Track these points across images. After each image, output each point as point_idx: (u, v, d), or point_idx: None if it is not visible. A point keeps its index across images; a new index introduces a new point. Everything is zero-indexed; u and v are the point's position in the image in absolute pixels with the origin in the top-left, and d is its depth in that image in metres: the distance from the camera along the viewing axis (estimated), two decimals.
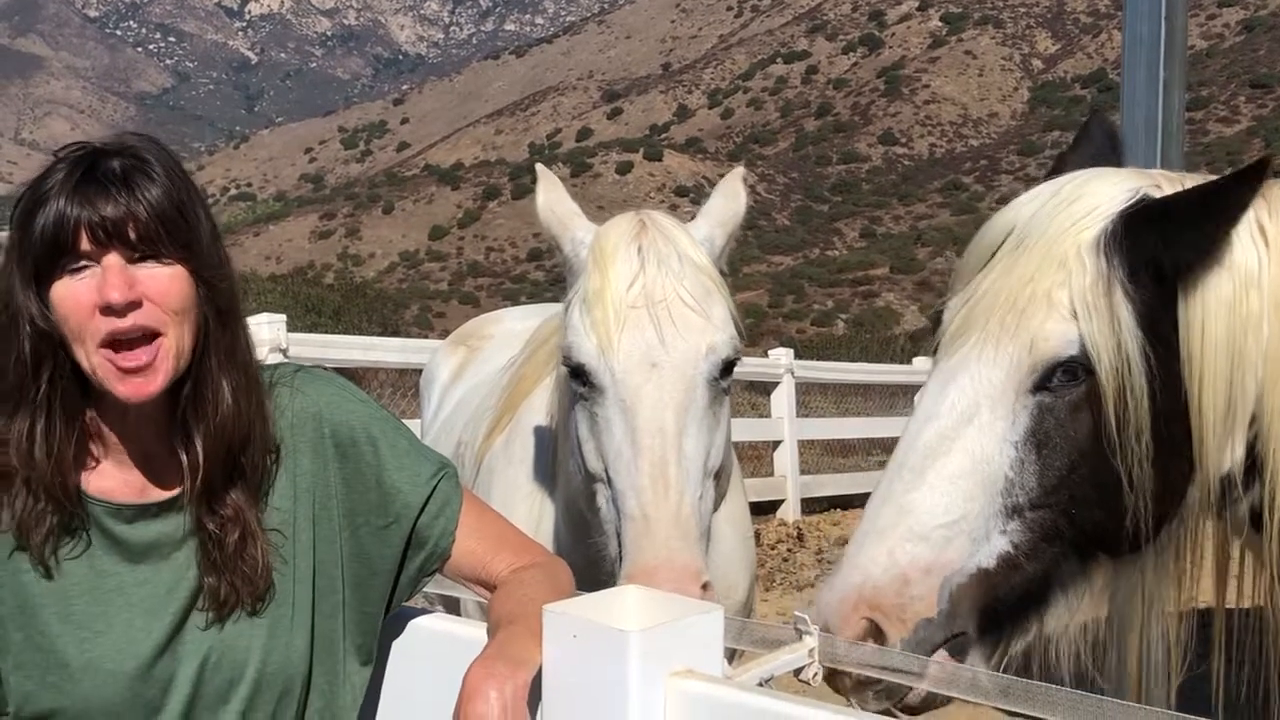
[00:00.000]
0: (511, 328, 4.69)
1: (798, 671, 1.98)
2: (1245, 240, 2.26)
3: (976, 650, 2.25)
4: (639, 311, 2.72)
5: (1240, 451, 2.30)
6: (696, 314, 2.74)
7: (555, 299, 3.60)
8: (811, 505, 13.66)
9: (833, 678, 2.16)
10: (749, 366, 12.47)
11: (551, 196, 3.02)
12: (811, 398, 15.56)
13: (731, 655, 2.02)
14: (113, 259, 1.84)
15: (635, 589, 1.84)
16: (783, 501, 13.29)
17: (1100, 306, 2.21)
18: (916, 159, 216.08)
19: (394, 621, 2.16)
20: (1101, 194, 2.33)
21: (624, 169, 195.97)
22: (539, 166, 3.17)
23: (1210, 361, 2.22)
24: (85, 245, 1.83)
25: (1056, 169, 2.68)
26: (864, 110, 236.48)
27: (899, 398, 16.30)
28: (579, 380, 2.77)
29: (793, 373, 13.52)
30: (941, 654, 2.21)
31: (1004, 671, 2.23)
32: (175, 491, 1.99)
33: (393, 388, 11.10)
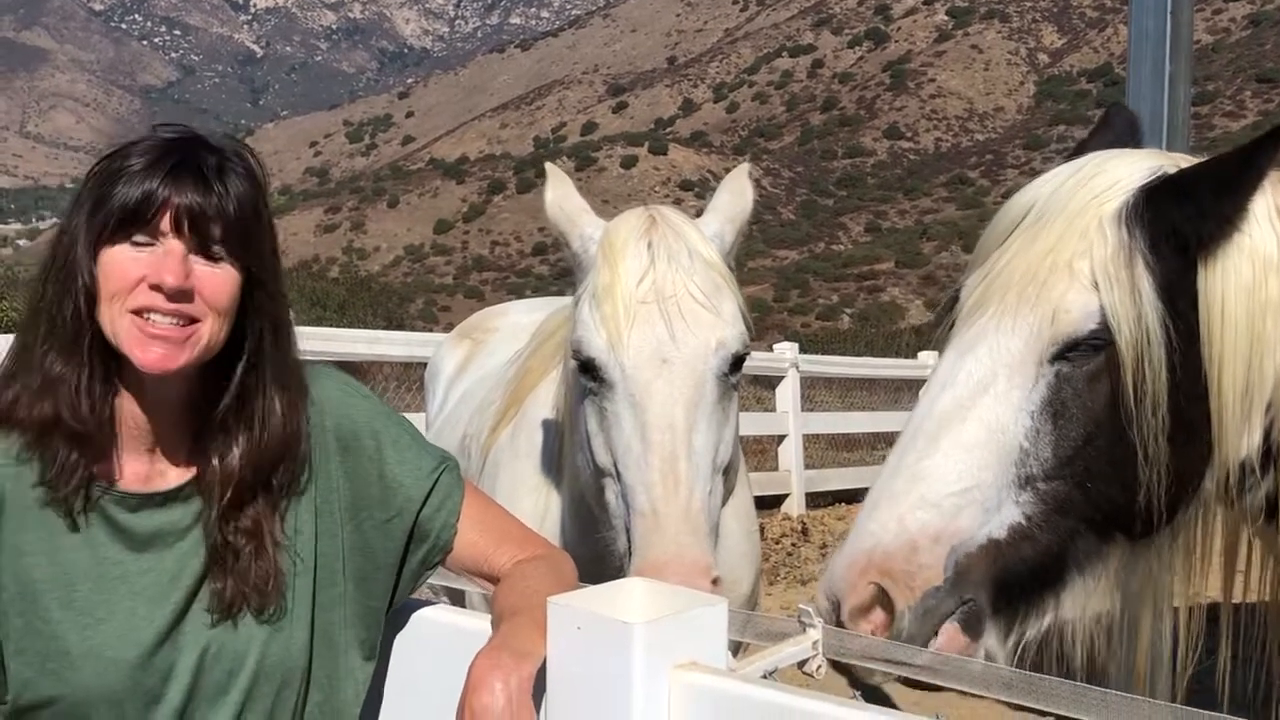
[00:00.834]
0: (517, 321, 4.69)
1: (802, 664, 1.98)
2: (1265, 226, 2.26)
3: (991, 627, 2.23)
4: (649, 307, 2.71)
5: (1258, 437, 2.29)
6: (706, 309, 2.73)
7: (560, 293, 3.60)
8: (816, 500, 13.64)
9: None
10: (753, 361, 12.39)
11: (560, 193, 3.02)
12: (816, 392, 15.54)
13: (736, 649, 2.03)
14: (178, 245, 1.86)
15: (640, 581, 1.84)
16: (787, 496, 13.27)
17: (1122, 277, 2.21)
18: (922, 153, 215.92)
19: (399, 613, 2.16)
20: (1122, 170, 2.34)
21: (629, 163, 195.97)
22: (549, 165, 3.16)
23: (1230, 343, 2.22)
24: (165, 226, 1.86)
25: (1076, 155, 2.67)
26: (869, 104, 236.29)
27: (904, 392, 16.28)
28: (588, 375, 2.77)
29: (797, 367, 13.49)
30: (952, 628, 2.20)
31: (1019, 659, 2.23)
32: (182, 481, 1.99)
33: (397, 381, 11.10)
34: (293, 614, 2.01)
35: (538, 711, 1.72)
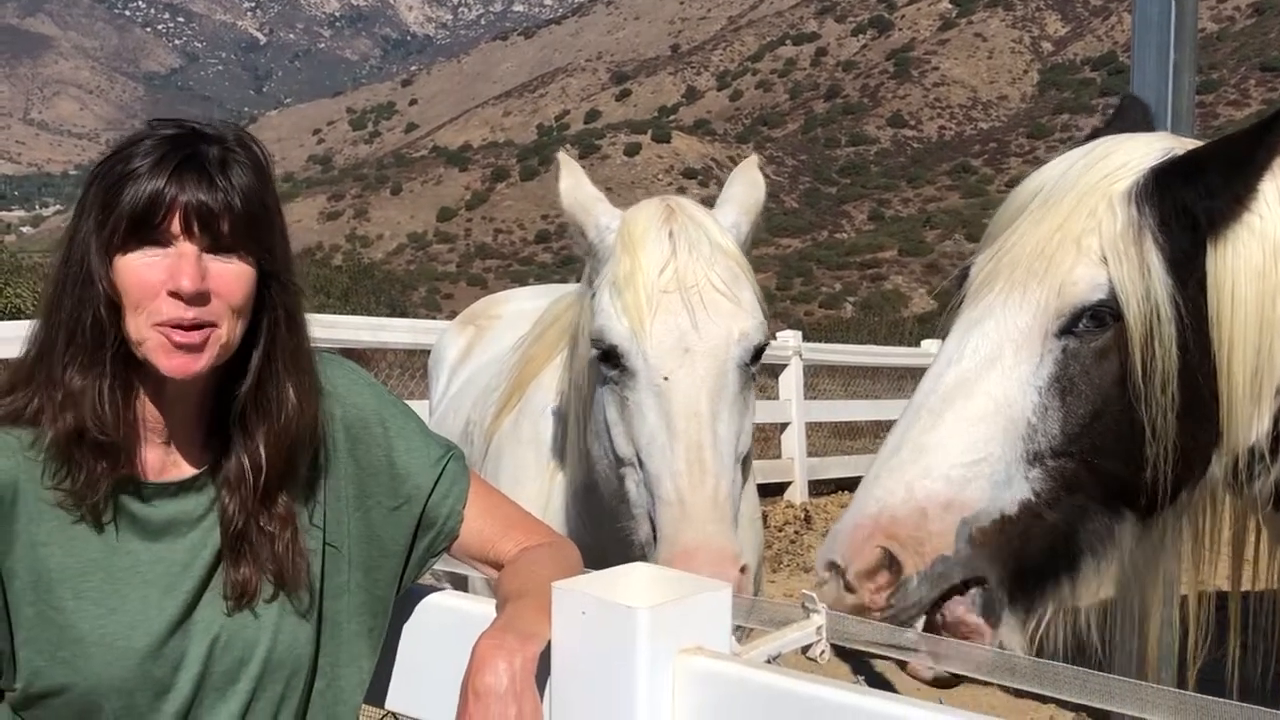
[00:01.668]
0: (520, 307, 4.69)
1: (805, 649, 1.98)
2: (1276, 208, 2.26)
3: (1008, 614, 2.22)
4: (671, 296, 2.70)
5: (1267, 423, 2.28)
6: (728, 299, 2.72)
7: (563, 280, 3.59)
8: (819, 487, 13.64)
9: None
10: None
11: (573, 181, 3.01)
12: (819, 380, 15.51)
13: (740, 635, 2.03)
14: (191, 247, 1.85)
15: (644, 566, 1.85)
16: (790, 483, 13.26)
17: (1130, 253, 2.21)
18: (925, 142, 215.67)
19: (403, 598, 2.17)
20: (1133, 151, 2.34)
21: (632, 150, 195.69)
22: (561, 155, 3.15)
23: (1239, 327, 2.21)
24: (175, 228, 1.85)
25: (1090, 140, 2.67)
26: (873, 92, 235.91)
27: (907, 380, 16.24)
28: (609, 364, 2.75)
29: (800, 355, 13.47)
30: (960, 607, 2.19)
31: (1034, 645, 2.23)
32: (196, 471, 1.99)
33: (401, 368, 11.10)
34: (303, 602, 2.02)
35: (541, 695, 1.73)
